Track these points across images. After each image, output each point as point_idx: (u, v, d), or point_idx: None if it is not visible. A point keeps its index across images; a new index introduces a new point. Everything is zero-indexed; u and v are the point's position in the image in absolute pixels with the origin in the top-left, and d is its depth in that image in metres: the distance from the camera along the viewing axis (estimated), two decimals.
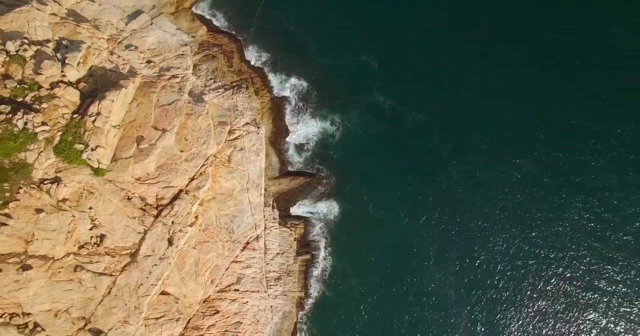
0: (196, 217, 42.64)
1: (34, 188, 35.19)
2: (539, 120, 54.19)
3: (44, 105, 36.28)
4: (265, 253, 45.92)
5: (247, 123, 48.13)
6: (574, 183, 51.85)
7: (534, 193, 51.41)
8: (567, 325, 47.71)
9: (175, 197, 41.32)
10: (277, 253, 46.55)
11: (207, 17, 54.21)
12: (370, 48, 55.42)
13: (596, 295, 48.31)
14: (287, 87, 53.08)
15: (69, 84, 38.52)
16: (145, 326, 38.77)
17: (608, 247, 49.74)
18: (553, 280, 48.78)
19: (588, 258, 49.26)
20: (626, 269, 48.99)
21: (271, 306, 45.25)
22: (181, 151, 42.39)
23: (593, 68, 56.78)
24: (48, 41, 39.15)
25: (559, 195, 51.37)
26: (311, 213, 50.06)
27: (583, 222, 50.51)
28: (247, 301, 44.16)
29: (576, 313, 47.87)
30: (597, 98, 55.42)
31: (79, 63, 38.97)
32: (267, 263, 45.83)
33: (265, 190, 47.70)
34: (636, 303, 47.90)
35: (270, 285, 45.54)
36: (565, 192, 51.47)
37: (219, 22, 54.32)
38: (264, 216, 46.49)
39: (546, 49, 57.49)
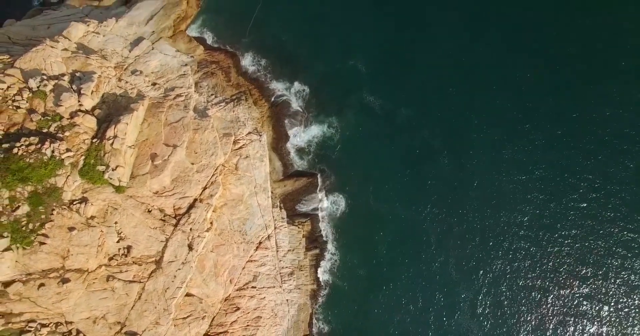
0: (211, 223, 44.38)
1: (65, 209, 37.23)
2: (525, 107, 55.76)
3: (67, 134, 38.36)
4: (277, 251, 47.72)
5: (249, 133, 50.20)
6: (564, 167, 53.41)
7: (524, 178, 53.00)
8: (566, 304, 49.26)
9: (191, 206, 43.10)
10: (288, 250, 48.33)
11: (202, 37, 56.32)
12: (357, 52, 57.49)
13: (595, 275, 49.74)
14: (284, 94, 55.02)
15: (86, 112, 40.62)
16: (175, 325, 40.44)
17: (601, 225, 51.18)
18: (549, 257, 50.40)
19: (584, 241, 50.64)
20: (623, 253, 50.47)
21: (287, 300, 47.02)
22: (192, 163, 44.26)
23: (576, 55, 58.33)
24: (63, 75, 41.36)
25: (550, 179, 52.93)
26: (316, 210, 51.55)
27: (577, 205, 52.00)
28: (264, 297, 45.92)
29: (575, 293, 49.33)
30: (588, 86, 56.88)
31: (92, 92, 41.11)
32: (280, 260, 47.63)
33: (272, 192, 49.41)
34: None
35: (284, 280, 47.33)
36: (557, 175, 53.04)
37: (214, 40, 56.48)
38: (273, 217, 48.30)
39: (535, 39, 59.01)
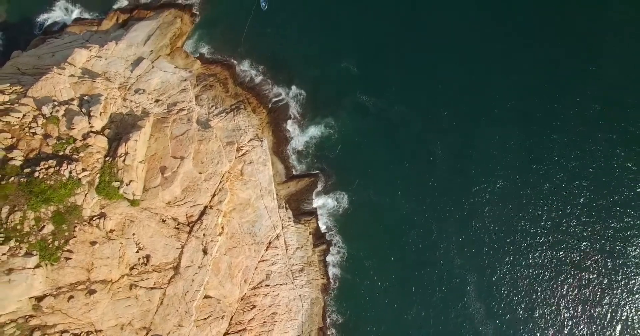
0: (222, 227, 45.82)
1: (86, 225, 38.72)
2: (519, 101, 57.66)
3: (81, 154, 39.88)
4: (287, 250, 49.30)
5: (251, 139, 51.65)
6: (553, 152, 55.50)
7: (520, 167, 54.93)
8: (565, 286, 51.38)
9: (202, 213, 44.40)
10: (297, 248, 49.92)
11: (199, 51, 57.80)
12: (348, 54, 59.06)
13: (590, 256, 51.82)
14: (282, 99, 56.66)
15: (97, 132, 42.06)
16: (197, 326, 41.97)
17: (595, 208, 53.44)
18: (541, 238, 52.48)
19: (579, 223, 52.90)
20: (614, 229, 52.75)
21: (300, 295, 48.67)
22: (200, 173, 45.55)
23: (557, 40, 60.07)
24: (72, 99, 42.81)
25: (549, 169, 54.91)
26: (320, 207, 53.51)
27: (569, 187, 54.07)
28: (278, 294, 47.47)
29: (572, 272, 51.45)
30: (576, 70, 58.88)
31: (100, 113, 42.57)
32: (290, 258, 49.25)
33: (277, 194, 50.79)
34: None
35: (295, 277, 48.97)
36: (555, 167, 55.03)
37: (210, 53, 57.96)
38: (280, 217, 49.72)
39: (529, 37, 60.56)
